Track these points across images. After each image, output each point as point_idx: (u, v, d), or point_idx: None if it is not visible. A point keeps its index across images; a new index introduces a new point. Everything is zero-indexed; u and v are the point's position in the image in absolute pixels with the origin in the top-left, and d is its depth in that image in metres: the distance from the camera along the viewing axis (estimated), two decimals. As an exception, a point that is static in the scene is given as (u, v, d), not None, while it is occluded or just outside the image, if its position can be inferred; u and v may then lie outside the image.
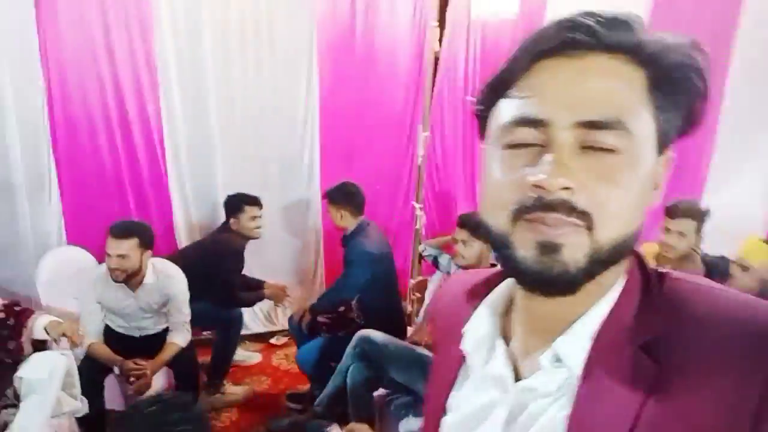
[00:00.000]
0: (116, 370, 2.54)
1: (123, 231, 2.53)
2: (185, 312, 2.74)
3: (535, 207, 0.51)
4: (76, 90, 3.18)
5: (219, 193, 3.47)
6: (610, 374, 0.53)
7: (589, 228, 0.51)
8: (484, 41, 3.85)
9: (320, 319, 2.99)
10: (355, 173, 3.54)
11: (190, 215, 3.54)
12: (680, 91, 0.53)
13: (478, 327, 0.64)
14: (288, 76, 3.53)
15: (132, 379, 2.48)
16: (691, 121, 0.55)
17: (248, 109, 3.51)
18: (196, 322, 3.09)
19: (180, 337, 2.69)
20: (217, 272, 3.10)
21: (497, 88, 0.57)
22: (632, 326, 0.54)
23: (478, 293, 0.67)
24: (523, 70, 0.54)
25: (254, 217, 3.16)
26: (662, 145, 0.55)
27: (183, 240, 3.53)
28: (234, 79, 3.41)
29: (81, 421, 2.51)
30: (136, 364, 2.52)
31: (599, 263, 0.52)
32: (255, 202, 3.18)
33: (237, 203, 3.17)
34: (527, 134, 0.53)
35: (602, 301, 0.56)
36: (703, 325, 0.52)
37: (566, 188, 0.50)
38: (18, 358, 2.18)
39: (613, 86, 0.51)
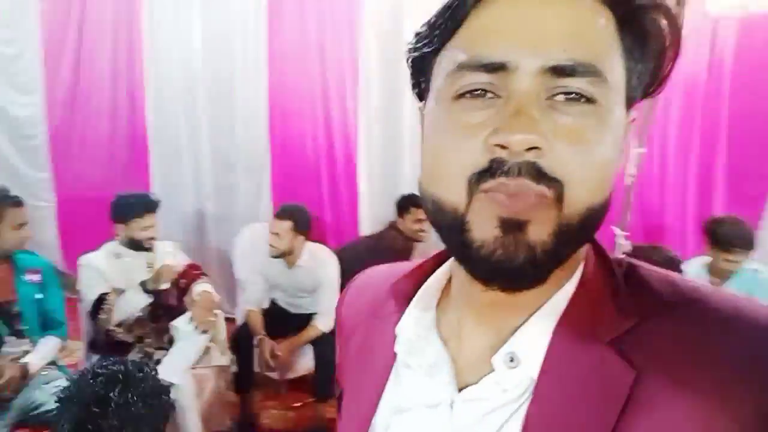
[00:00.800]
0: (255, 341, 2.75)
1: (283, 213, 2.76)
2: (332, 298, 2.82)
3: (496, 172, 0.41)
4: (291, 83, 3.56)
5: (405, 192, 3.52)
6: (574, 379, 0.44)
7: (558, 199, 0.41)
8: (733, 41, 3.10)
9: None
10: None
11: (375, 209, 3.66)
12: (649, 36, 0.44)
13: (410, 326, 0.53)
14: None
15: (266, 357, 2.66)
16: (659, 75, 0.46)
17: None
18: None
19: (322, 322, 2.79)
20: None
21: (441, 26, 0.45)
22: (598, 321, 0.45)
23: (405, 286, 0.56)
24: (473, 3, 0.43)
25: (419, 220, 3.10)
26: (630, 100, 0.46)
27: (366, 232, 3.66)
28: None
29: (233, 377, 2.81)
30: (271, 345, 2.68)
31: (566, 243, 0.42)
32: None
33: (405, 203, 3.16)
34: (482, 80, 0.42)
35: (562, 291, 0.47)
36: (683, 323, 0.44)
37: (534, 147, 0.40)
38: (178, 312, 2.52)
39: (584, 23, 0.42)
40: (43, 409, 2.05)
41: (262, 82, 3.59)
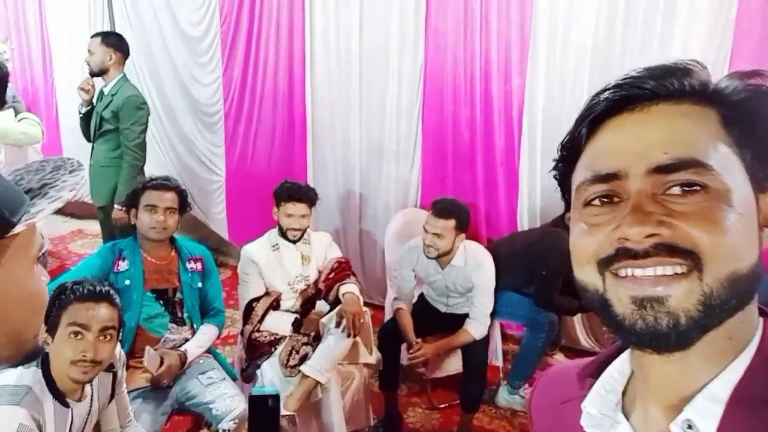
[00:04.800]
0: (404, 346, 2.62)
1: (444, 210, 2.53)
2: (486, 303, 2.60)
3: (622, 257, 0.49)
4: (449, 61, 3.31)
5: (571, 183, 3.13)
6: None
7: (697, 269, 0.47)
8: None
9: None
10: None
11: (536, 200, 3.30)
12: (758, 122, 0.51)
13: (596, 402, 0.59)
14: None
15: (412, 358, 2.53)
16: None
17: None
18: (509, 314, 2.96)
19: (475, 328, 2.58)
20: (540, 267, 2.82)
21: (569, 155, 0.58)
22: None
23: (590, 372, 0.63)
24: (589, 134, 0.55)
25: (591, 218, 2.71)
26: (759, 180, 0.51)
27: (524, 225, 3.34)
28: (612, 61, 2.91)
29: (379, 374, 2.74)
30: (419, 347, 2.55)
31: (714, 310, 0.48)
32: (595, 199, 2.72)
33: (575, 197, 2.77)
34: (602, 189, 0.53)
35: (736, 362, 0.50)
36: None
37: (652, 235, 0.48)
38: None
39: (680, 128, 0.51)
40: (196, 399, 2.11)
41: (419, 60, 3.39)
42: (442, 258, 2.60)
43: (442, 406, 2.94)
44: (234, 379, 2.33)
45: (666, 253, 0.47)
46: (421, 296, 2.90)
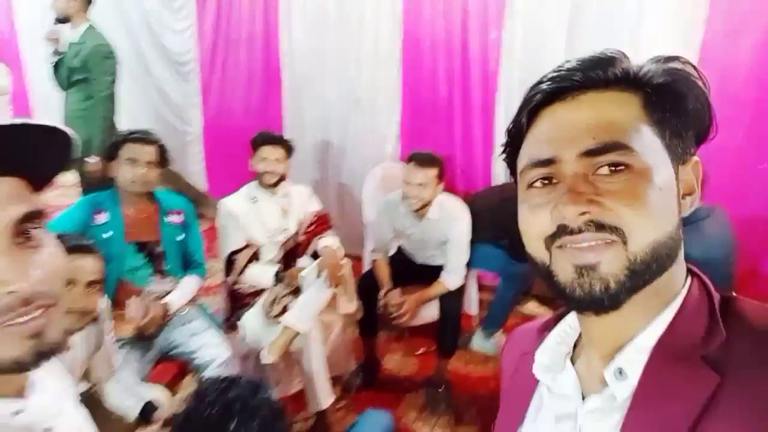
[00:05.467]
0: (381, 293, 2.70)
1: (427, 160, 2.55)
2: (461, 256, 2.68)
3: (562, 234, 0.57)
4: (426, 11, 3.27)
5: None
6: (666, 384, 0.55)
7: (623, 241, 0.55)
8: None
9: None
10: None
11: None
12: (676, 103, 0.58)
13: (547, 352, 0.69)
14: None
15: (391, 310, 2.61)
16: (702, 128, 0.60)
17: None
18: (484, 265, 3.06)
19: (450, 279, 2.67)
20: (515, 221, 2.90)
21: (513, 142, 0.65)
22: (693, 340, 0.56)
23: (547, 327, 0.72)
24: (528, 123, 0.62)
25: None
26: (679, 155, 0.59)
27: (499, 179, 3.41)
28: (590, 14, 2.91)
29: (359, 322, 2.83)
30: (397, 298, 2.63)
31: (638, 273, 0.55)
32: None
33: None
34: (541, 173, 0.60)
35: (662, 316, 0.59)
36: (765, 340, 0.54)
37: (585, 212, 0.55)
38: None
39: (606, 114, 0.58)
40: (180, 349, 2.18)
41: (396, 11, 3.34)
42: (419, 211, 2.65)
43: (419, 352, 3.07)
44: (218, 327, 2.40)
45: (596, 228, 0.55)
46: (399, 248, 2.97)
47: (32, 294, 0.56)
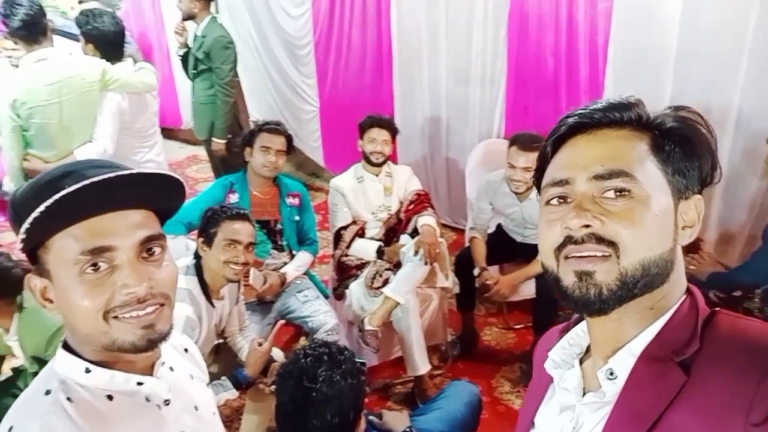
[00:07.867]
0: (476, 271, 2.81)
1: (530, 142, 2.53)
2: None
3: (567, 244, 0.67)
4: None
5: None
6: (645, 383, 0.66)
7: (617, 255, 0.65)
8: None
9: (710, 295, 2.45)
10: None
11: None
12: (681, 145, 0.68)
13: (559, 351, 0.80)
14: None
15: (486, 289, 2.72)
16: (706, 170, 0.70)
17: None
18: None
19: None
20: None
21: (540, 167, 0.77)
22: (674, 347, 0.65)
23: (566, 329, 0.83)
24: (554, 150, 0.74)
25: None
26: (681, 190, 0.69)
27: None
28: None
29: (456, 297, 2.99)
30: (491, 278, 2.72)
31: (628, 285, 0.65)
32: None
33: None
34: (556, 192, 0.71)
35: (652, 327, 0.68)
36: (731, 350, 0.63)
37: (586, 225, 0.66)
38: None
39: (617, 147, 0.68)
40: (295, 314, 2.49)
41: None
42: (522, 192, 2.71)
43: (518, 327, 3.16)
44: (326, 297, 2.68)
45: (595, 241, 0.66)
46: (499, 226, 3.05)
47: (146, 296, 0.74)
